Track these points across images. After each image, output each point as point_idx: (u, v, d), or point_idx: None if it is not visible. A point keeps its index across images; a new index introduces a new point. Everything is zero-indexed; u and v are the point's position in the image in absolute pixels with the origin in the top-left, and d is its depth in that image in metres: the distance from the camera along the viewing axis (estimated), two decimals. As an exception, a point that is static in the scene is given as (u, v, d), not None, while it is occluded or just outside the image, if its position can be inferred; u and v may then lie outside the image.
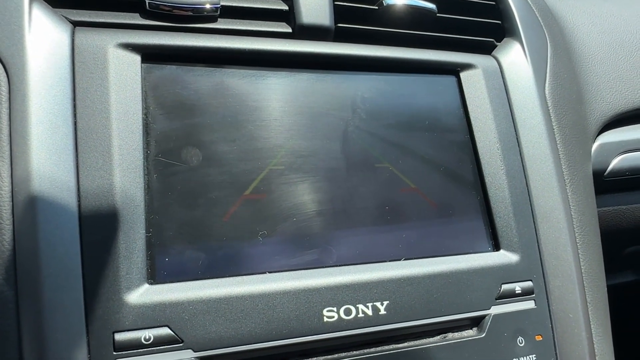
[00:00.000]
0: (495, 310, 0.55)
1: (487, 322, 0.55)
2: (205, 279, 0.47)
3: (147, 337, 0.43)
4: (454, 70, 0.64)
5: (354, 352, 0.49)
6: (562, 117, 0.68)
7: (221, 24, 0.55)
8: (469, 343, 0.53)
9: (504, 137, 0.63)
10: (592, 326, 0.61)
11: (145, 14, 0.53)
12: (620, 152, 0.76)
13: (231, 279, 0.47)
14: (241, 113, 0.53)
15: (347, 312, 0.49)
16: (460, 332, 0.54)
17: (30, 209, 0.42)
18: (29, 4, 0.46)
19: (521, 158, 0.63)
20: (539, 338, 0.57)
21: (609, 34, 0.81)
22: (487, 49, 0.69)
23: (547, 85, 0.68)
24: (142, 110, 0.49)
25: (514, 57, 0.68)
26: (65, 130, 0.45)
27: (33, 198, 0.42)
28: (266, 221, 0.50)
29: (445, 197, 0.58)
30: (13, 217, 0.42)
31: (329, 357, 0.49)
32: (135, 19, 0.52)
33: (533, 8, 0.73)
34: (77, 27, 0.49)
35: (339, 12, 0.60)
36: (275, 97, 0.55)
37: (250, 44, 0.55)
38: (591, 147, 0.74)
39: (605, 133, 0.77)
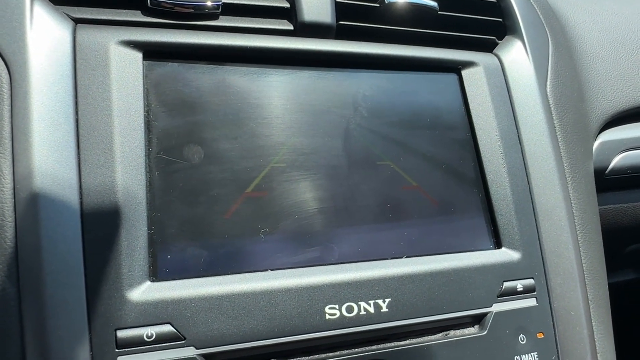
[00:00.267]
0: (496, 307, 0.55)
1: (489, 320, 0.55)
2: (207, 276, 0.47)
3: (150, 335, 0.43)
4: (455, 68, 0.64)
5: (356, 349, 0.49)
6: (564, 115, 0.68)
7: (223, 22, 0.55)
8: (470, 341, 0.53)
9: (505, 135, 0.63)
10: (593, 324, 0.61)
11: (147, 12, 0.52)
12: (622, 150, 0.76)
13: (233, 276, 0.47)
14: (243, 110, 0.53)
15: (349, 309, 0.49)
16: (461, 330, 0.54)
17: (32, 206, 0.42)
18: (31, 1, 0.46)
19: (522, 156, 0.63)
20: (540, 336, 0.57)
21: (610, 31, 0.81)
22: (488, 47, 0.69)
23: (548, 83, 0.68)
24: (144, 108, 0.49)
25: (515, 55, 0.68)
26: (66, 128, 0.45)
27: (35, 195, 0.42)
28: (268, 219, 0.50)
29: (446, 195, 0.58)
30: (15, 214, 0.42)
31: (331, 354, 0.49)
32: (137, 16, 0.52)
33: (534, 6, 0.73)
34: (78, 25, 0.49)
35: (340, 10, 0.60)
36: (276, 94, 0.55)
37: (252, 41, 0.55)
38: (592, 145, 0.74)
39: (607, 131, 0.77)
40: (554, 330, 0.58)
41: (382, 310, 0.50)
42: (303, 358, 0.48)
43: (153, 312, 0.43)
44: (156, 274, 0.45)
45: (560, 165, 0.64)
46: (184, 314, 0.44)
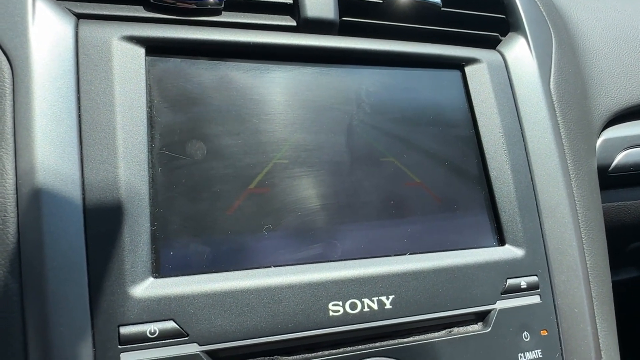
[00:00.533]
0: (500, 305, 0.55)
1: (493, 317, 0.54)
2: (210, 272, 0.46)
3: (153, 331, 0.43)
4: (458, 64, 0.64)
5: (360, 346, 0.49)
6: (567, 112, 0.68)
7: (225, 17, 0.55)
8: (474, 338, 0.53)
9: (508, 132, 0.62)
10: (597, 321, 0.61)
11: (149, 7, 0.52)
12: (625, 148, 0.76)
13: (236, 272, 0.47)
14: (245, 107, 0.52)
15: (353, 306, 0.49)
16: (465, 327, 0.54)
17: (34, 202, 0.42)
18: (33, -4, 0.46)
19: (526, 153, 0.63)
20: (544, 333, 0.56)
21: (613, 29, 0.81)
22: (491, 44, 0.68)
23: (551, 80, 0.68)
24: (147, 104, 0.48)
25: (518, 52, 0.68)
26: (69, 123, 0.45)
27: (37, 191, 0.42)
28: (271, 215, 0.50)
29: (450, 192, 0.58)
30: (17, 209, 0.41)
31: (335, 351, 0.48)
32: (139, 11, 0.52)
33: (537, 3, 0.73)
34: (80, 20, 0.49)
35: (343, 6, 0.59)
36: (279, 90, 0.54)
37: (255, 37, 0.54)
38: (596, 142, 0.73)
39: (610, 128, 0.76)
40: (558, 328, 0.57)
41: (385, 307, 0.50)
42: (306, 355, 0.47)
43: (156, 309, 0.43)
44: (159, 270, 0.45)
45: (564, 163, 0.64)
46: (187, 310, 0.44)
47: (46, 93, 0.45)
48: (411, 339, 0.51)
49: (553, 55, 0.70)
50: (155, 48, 0.50)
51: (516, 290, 0.56)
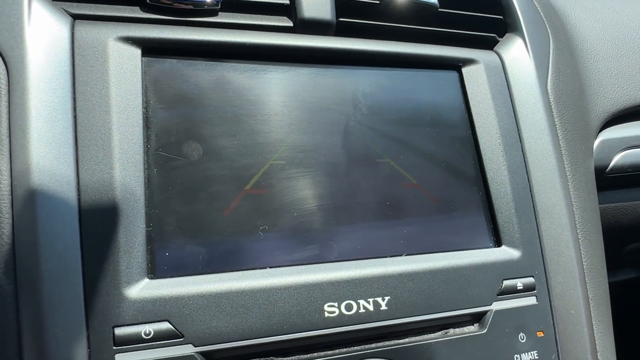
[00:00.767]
0: (496, 306, 0.55)
1: (489, 318, 0.54)
2: (205, 273, 0.46)
3: (148, 332, 0.43)
4: (455, 65, 0.64)
5: (355, 347, 0.49)
6: (564, 113, 0.68)
7: (222, 18, 0.55)
8: (470, 339, 0.53)
9: (505, 133, 0.62)
10: (593, 322, 0.61)
11: (146, 7, 0.52)
12: (622, 149, 0.76)
13: (232, 274, 0.47)
14: (242, 107, 0.52)
15: (348, 307, 0.49)
16: (461, 328, 0.54)
17: (29, 203, 0.42)
18: (29, -3, 0.46)
19: (523, 154, 0.63)
20: (540, 334, 0.56)
21: (611, 30, 0.81)
22: (489, 44, 0.68)
23: (549, 81, 0.68)
24: (143, 104, 0.48)
25: (516, 53, 0.68)
26: (64, 124, 0.45)
27: (32, 192, 0.42)
28: (267, 216, 0.50)
29: (446, 193, 0.58)
30: (12, 210, 0.41)
31: (330, 352, 0.48)
32: (136, 12, 0.52)
33: (535, 3, 0.73)
34: (76, 20, 0.49)
35: (340, 7, 0.59)
36: (276, 91, 0.54)
37: (251, 38, 0.54)
38: (593, 143, 0.73)
39: (607, 129, 0.76)
40: (554, 329, 0.57)
41: (381, 309, 0.50)
42: (302, 356, 0.47)
43: (151, 310, 0.43)
44: (154, 271, 0.45)
45: (561, 164, 0.64)
46: (183, 311, 0.44)
47: (42, 94, 0.45)
48: (407, 340, 0.51)
49: (550, 56, 0.70)
50: (151, 49, 0.50)
51: (512, 292, 0.56)
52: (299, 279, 0.48)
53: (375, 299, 0.50)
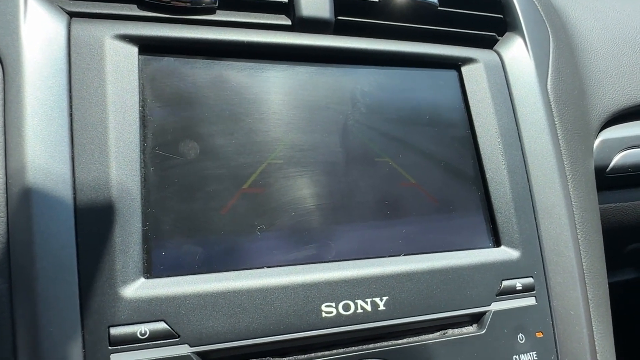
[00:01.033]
0: (495, 306, 0.55)
1: (488, 319, 0.54)
2: (202, 273, 0.46)
3: (143, 332, 0.42)
4: (455, 64, 0.63)
5: (353, 348, 0.49)
6: (564, 112, 0.67)
7: (220, 16, 0.55)
8: (469, 339, 0.53)
9: (505, 132, 0.62)
10: (593, 323, 0.60)
11: (143, 5, 0.52)
12: (623, 149, 0.75)
13: (228, 273, 0.47)
14: (239, 106, 0.52)
15: (346, 307, 0.49)
16: (460, 329, 0.54)
17: (24, 202, 0.41)
18: (25, -6, 0.46)
19: (522, 153, 0.62)
20: (539, 335, 0.56)
21: (611, 29, 0.81)
22: (488, 43, 0.68)
23: (549, 80, 0.67)
24: (139, 103, 0.48)
25: (515, 52, 0.67)
26: (60, 122, 0.45)
27: (28, 190, 0.41)
28: (264, 215, 0.49)
29: (445, 193, 0.58)
30: (7, 209, 0.41)
31: (327, 352, 0.48)
32: (133, 10, 0.51)
33: (535, 2, 0.73)
34: (73, 18, 0.49)
35: (339, 5, 0.59)
36: (274, 90, 0.54)
37: (249, 36, 0.54)
38: (593, 143, 0.73)
39: (608, 129, 0.76)
40: (553, 330, 0.57)
41: (379, 309, 0.50)
42: (299, 356, 0.47)
43: (147, 309, 0.43)
44: (150, 271, 0.45)
45: (561, 163, 0.64)
46: (179, 311, 0.44)
47: (37, 92, 0.44)
48: (405, 340, 0.51)
49: (550, 55, 0.69)
50: (148, 47, 0.50)
51: (511, 292, 0.56)
52: (297, 278, 0.48)
53: (373, 299, 0.50)
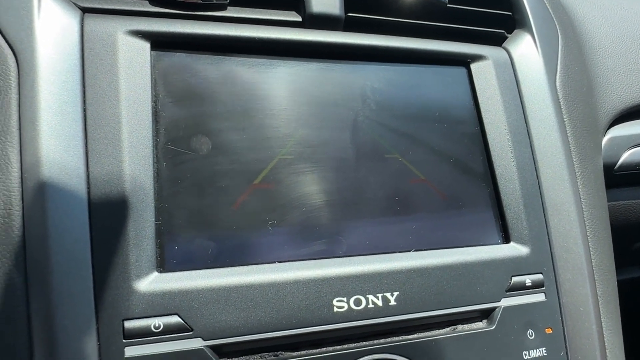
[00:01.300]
0: (505, 302, 0.55)
1: (497, 315, 0.54)
2: (214, 267, 0.46)
3: (157, 325, 0.43)
4: (464, 61, 0.64)
5: (364, 342, 0.49)
6: (573, 109, 0.67)
7: (231, 12, 0.55)
8: (478, 335, 0.53)
9: (514, 129, 0.62)
10: (602, 320, 0.60)
11: (155, 1, 0.52)
12: (631, 146, 0.75)
13: (241, 268, 0.47)
14: (250, 102, 0.52)
15: (357, 302, 0.49)
16: (470, 324, 0.54)
17: (39, 196, 0.41)
18: (39, -10, 0.46)
19: (532, 150, 0.62)
20: (549, 331, 0.56)
21: (620, 26, 0.81)
22: (497, 41, 0.68)
23: (557, 77, 0.68)
24: (152, 98, 0.48)
25: (524, 49, 0.67)
26: (74, 117, 0.45)
27: (43, 184, 0.42)
28: (276, 211, 0.50)
29: (455, 189, 0.58)
30: (23, 203, 0.41)
31: (339, 347, 0.48)
32: (145, 6, 0.52)
33: (544, 0, 0.73)
34: (86, 14, 0.49)
35: (349, 2, 0.59)
36: (284, 86, 0.54)
37: (260, 32, 0.54)
38: (602, 140, 0.73)
39: (616, 127, 0.76)
40: (563, 326, 0.57)
41: (390, 304, 0.50)
42: (310, 350, 0.47)
43: (161, 303, 0.43)
44: (163, 265, 0.45)
45: (570, 160, 0.64)
46: (192, 305, 0.44)
47: (51, 87, 0.45)
48: (415, 335, 0.51)
49: (559, 52, 0.69)
50: (160, 43, 0.50)
51: (521, 288, 0.56)
52: (308, 273, 0.48)
53: (384, 294, 0.50)
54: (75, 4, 0.49)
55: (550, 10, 0.72)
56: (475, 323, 0.54)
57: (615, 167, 0.75)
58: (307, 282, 0.48)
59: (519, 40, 0.68)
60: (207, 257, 0.46)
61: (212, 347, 0.44)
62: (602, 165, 0.70)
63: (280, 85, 0.54)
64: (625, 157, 0.75)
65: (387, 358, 0.49)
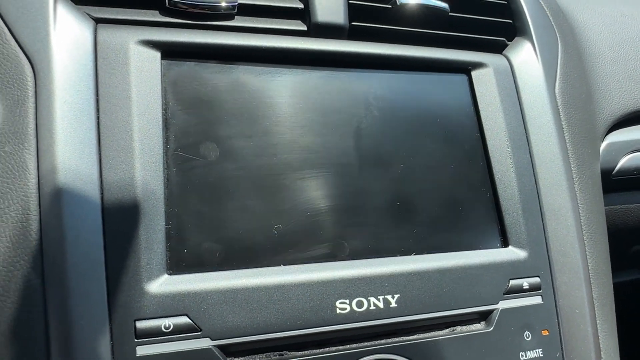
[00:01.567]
0: (503, 305, 0.56)
1: (495, 317, 0.56)
2: (222, 270, 0.48)
3: (167, 326, 0.44)
4: (465, 68, 0.65)
5: (366, 343, 0.51)
6: (572, 116, 0.69)
7: (238, 22, 0.57)
8: (476, 336, 0.55)
9: (513, 136, 0.64)
10: (597, 322, 0.62)
11: (165, 12, 0.54)
12: (629, 152, 0.77)
13: (247, 270, 0.49)
14: (257, 109, 0.54)
15: (359, 304, 0.50)
16: (468, 326, 0.56)
17: (56, 201, 0.43)
18: (54, 2, 0.48)
19: (530, 156, 0.64)
20: (545, 333, 0.58)
21: (619, 33, 0.82)
22: (498, 48, 0.69)
23: (557, 84, 0.69)
24: (162, 106, 0.50)
25: (524, 57, 0.69)
26: (88, 125, 0.47)
27: (59, 190, 0.44)
28: (281, 215, 0.51)
29: (455, 194, 0.60)
30: (40, 208, 0.43)
31: (341, 347, 0.50)
32: (155, 16, 0.53)
33: (544, 7, 0.74)
34: (99, 24, 0.51)
35: (353, 11, 0.61)
36: (290, 94, 0.56)
37: (266, 41, 0.56)
38: (600, 146, 0.74)
39: (614, 132, 0.77)
40: (559, 328, 0.59)
41: (391, 306, 0.52)
42: (314, 350, 0.49)
43: (171, 304, 0.45)
44: (173, 267, 0.47)
45: (568, 166, 0.65)
46: (200, 306, 0.46)
47: (67, 95, 0.46)
48: (415, 336, 0.53)
49: (559, 59, 0.71)
50: (170, 52, 0.52)
51: (518, 291, 0.58)
52: (312, 276, 0.50)
53: (385, 296, 0.52)
54: (88, 14, 0.51)
55: (551, 18, 0.74)
56: (474, 325, 0.56)
57: (613, 172, 0.76)
58: (311, 285, 0.49)
59: (519, 47, 0.69)
60: (215, 260, 0.48)
61: (219, 347, 0.46)
62: (599, 171, 0.71)
63: (286, 93, 0.56)
64: (623, 162, 0.77)
65: (387, 358, 0.51)
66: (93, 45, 0.49)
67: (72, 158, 0.45)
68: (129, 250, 0.45)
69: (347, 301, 0.50)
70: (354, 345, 0.50)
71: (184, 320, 0.45)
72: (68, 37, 0.48)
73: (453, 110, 0.63)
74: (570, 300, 0.60)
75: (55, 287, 0.42)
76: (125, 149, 0.47)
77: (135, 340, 0.44)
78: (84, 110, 0.47)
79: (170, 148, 0.50)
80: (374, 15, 0.62)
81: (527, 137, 0.65)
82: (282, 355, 0.48)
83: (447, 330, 0.55)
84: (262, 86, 0.55)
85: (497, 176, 0.62)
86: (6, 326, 0.41)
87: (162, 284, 0.45)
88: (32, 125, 0.45)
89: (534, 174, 0.63)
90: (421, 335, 0.53)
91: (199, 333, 0.45)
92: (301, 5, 0.59)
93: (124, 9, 0.53)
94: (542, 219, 0.62)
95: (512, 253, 0.59)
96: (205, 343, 0.45)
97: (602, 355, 0.62)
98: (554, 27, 0.73)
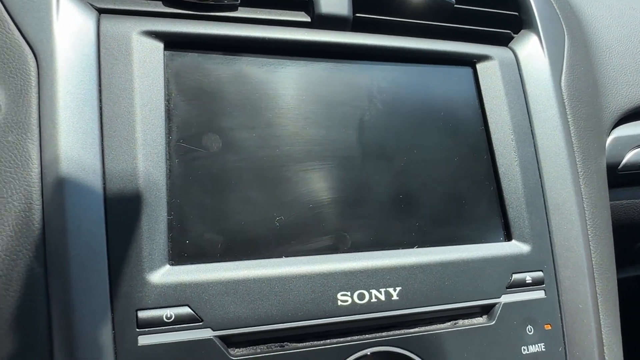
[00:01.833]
0: (505, 299, 0.56)
1: (497, 311, 0.56)
2: (224, 261, 0.48)
3: (169, 316, 0.45)
4: (470, 61, 0.65)
5: (367, 335, 0.51)
6: (578, 110, 0.68)
7: (242, 13, 0.56)
8: (478, 330, 0.55)
9: (518, 129, 0.63)
10: (601, 317, 0.62)
11: (168, 2, 0.54)
12: (635, 146, 0.76)
13: (249, 262, 0.49)
14: (260, 101, 0.54)
15: (361, 296, 0.50)
16: (470, 320, 0.56)
17: (58, 191, 0.43)
18: (57, -8, 0.48)
19: (535, 150, 0.63)
20: (548, 327, 0.58)
21: (627, 26, 0.81)
22: (503, 41, 0.69)
23: (563, 77, 0.68)
24: (165, 97, 0.50)
25: (530, 49, 0.68)
26: (91, 115, 0.47)
27: (61, 180, 0.44)
28: (283, 207, 0.51)
29: (458, 187, 0.59)
30: (42, 198, 0.43)
31: (342, 339, 0.50)
32: (159, 6, 0.53)
33: (551, 0, 0.73)
34: (102, 15, 0.51)
35: (357, 2, 0.60)
36: (293, 85, 0.56)
37: (270, 32, 0.56)
38: (606, 140, 0.74)
39: (620, 126, 0.76)
40: (562, 322, 0.58)
41: (392, 298, 0.52)
42: (315, 342, 0.49)
43: (172, 295, 0.45)
44: (175, 258, 0.47)
45: (573, 160, 0.65)
46: (202, 296, 0.46)
47: (69, 86, 0.46)
48: (417, 329, 0.53)
49: (565, 52, 0.70)
50: (173, 43, 0.52)
51: (521, 285, 0.57)
52: (314, 268, 0.50)
53: (387, 289, 0.52)
54: (91, 5, 0.51)
55: (558, 10, 0.73)
56: (476, 318, 0.56)
57: (619, 167, 0.76)
58: (313, 277, 0.49)
59: (525, 40, 0.69)
60: (216, 251, 0.48)
61: (221, 337, 0.46)
62: (605, 165, 0.70)
63: (289, 85, 0.56)
64: (629, 156, 0.76)
65: (388, 350, 0.51)
66: (96, 36, 0.49)
67: (75, 148, 0.45)
68: (131, 240, 0.45)
69: (349, 293, 0.50)
70: (355, 337, 0.50)
71: (185, 310, 0.45)
72: (71, 27, 0.48)
73: (457, 103, 0.63)
74: (573, 294, 0.60)
75: (57, 277, 0.42)
76: (128, 140, 0.47)
77: (137, 330, 0.44)
78: (87, 100, 0.47)
79: (172, 139, 0.50)
80: (378, 6, 0.62)
81: (532, 130, 0.64)
82: (283, 346, 0.48)
83: (449, 323, 0.55)
84: (265, 78, 0.55)
85: (501, 170, 0.61)
86: (9, 315, 0.41)
87: (164, 275, 0.46)
88: (35, 115, 0.45)
89: (538, 167, 0.63)
90: (423, 329, 0.53)
91: (201, 323, 0.46)
92: (305, -4, 0.59)
93: (126, 0, 0.52)
94: (546, 213, 0.61)
95: (515, 247, 0.59)
96: (206, 333, 0.46)
97: (605, 350, 0.61)
98: (561, 19, 0.72)
